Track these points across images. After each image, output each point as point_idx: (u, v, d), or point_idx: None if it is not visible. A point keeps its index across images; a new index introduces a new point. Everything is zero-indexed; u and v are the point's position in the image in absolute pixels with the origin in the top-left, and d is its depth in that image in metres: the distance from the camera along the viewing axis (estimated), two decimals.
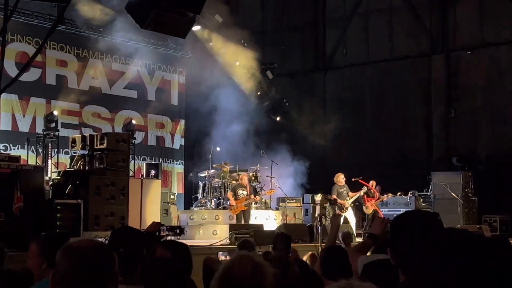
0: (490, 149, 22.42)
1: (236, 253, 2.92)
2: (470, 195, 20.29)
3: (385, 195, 18.53)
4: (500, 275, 2.07)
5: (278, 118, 24.31)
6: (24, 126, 19.95)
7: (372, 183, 18.28)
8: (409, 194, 20.18)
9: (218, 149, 19.92)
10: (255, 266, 2.83)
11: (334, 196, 17.39)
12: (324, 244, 12.38)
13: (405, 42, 24.49)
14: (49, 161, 17.36)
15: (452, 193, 19.51)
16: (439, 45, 23.78)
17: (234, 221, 16.89)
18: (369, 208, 17.99)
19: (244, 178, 17.38)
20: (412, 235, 2.96)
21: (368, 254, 5.29)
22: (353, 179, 17.84)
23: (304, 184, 22.23)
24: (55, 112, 18.11)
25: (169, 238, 9.58)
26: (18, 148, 19.20)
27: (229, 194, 17.26)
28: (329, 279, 5.33)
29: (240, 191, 17.05)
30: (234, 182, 18.00)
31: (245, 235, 13.12)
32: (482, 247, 2.13)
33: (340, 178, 17.55)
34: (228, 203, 17.47)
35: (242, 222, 16.59)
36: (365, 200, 18.01)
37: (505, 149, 21.86)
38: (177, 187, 23.63)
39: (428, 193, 20.99)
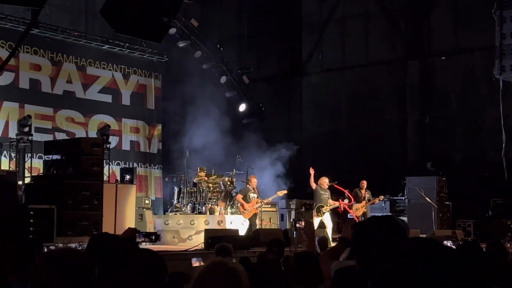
0: (464, 154, 22.58)
1: (210, 259, 2.88)
2: (444, 199, 20.42)
3: (376, 198, 18.59)
4: (459, 284, 2.07)
5: (245, 121, 24.29)
6: None
7: (363, 183, 18.34)
8: (384, 199, 20.24)
9: (187, 153, 19.74)
10: (230, 272, 2.79)
11: (313, 185, 17.30)
12: (299, 248, 12.38)
13: (380, 48, 24.60)
14: (23, 165, 17.18)
15: (427, 198, 19.59)
16: (414, 50, 23.92)
17: (209, 226, 16.82)
18: (359, 210, 18.05)
19: (254, 180, 17.38)
20: (370, 242, 3.01)
21: (342, 258, 5.29)
22: (328, 184, 17.82)
23: (279, 189, 22.21)
24: (30, 120, 17.83)
25: (144, 244, 9.52)
26: None
27: (239, 197, 17.17)
28: (300, 285, 5.35)
29: (251, 194, 17.06)
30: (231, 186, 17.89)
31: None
32: (441, 256, 2.12)
33: (324, 182, 17.51)
34: (236, 205, 17.42)
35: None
36: (341, 205, 17.98)
37: (479, 154, 22.02)
38: (156, 192, 23.53)
39: (403, 198, 21.09)
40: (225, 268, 2.80)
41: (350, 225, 5.05)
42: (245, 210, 16.95)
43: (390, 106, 24.29)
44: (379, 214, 19.59)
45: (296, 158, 22.78)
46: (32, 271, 2.80)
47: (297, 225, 6.63)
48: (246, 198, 16.99)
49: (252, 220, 16.91)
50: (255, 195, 17.09)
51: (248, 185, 17.36)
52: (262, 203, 17.25)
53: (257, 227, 16.82)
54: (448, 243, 7.64)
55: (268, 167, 21.63)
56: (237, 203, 17.41)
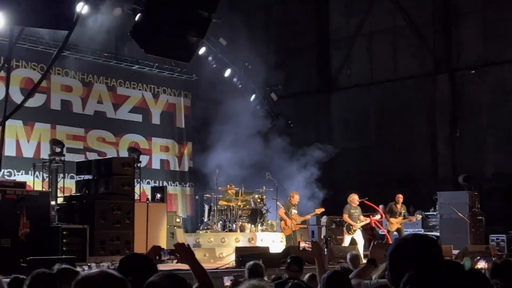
0: (496, 168, 22.36)
1: (248, 282, 2.89)
2: (476, 214, 20.18)
3: (413, 217, 18.47)
4: None
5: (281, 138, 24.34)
6: (28, 152, 19.93)
7: (399, 197, 18.13)
8: (416, 214, 20.09)
9: (217, 171, 19.78)
10: None
11: (346, 216, 17.26)
12: (330, 265, 12.33)
13: (409, 62, 24.52)
14: (56, 186, 17.35)
15: (459, 213, 19.41)
16: (443, 64, 23.78)
17: (240, 244, 16.83)
18: (393, 225, 17.88)
19: (297, 197, 17.40)
20: (408, 262, 2.94)
21: (374, 277, 5.27)
22: (359, 200, 17.74)
23: (310, 205, 22.17)
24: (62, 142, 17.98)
25: (170, 262, 9.50)
26: (22, 174, 19.15)
27: (281, 212, 17.18)
28: None
29: (293, 210, 17.09)
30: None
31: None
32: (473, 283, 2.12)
33: (354, 199, 17.39)
34: (266, 223, 17.47)
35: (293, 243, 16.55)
36: (371, 221, 17.88)
37: (511, 168, 21.78)
38: (187, 210, 23.61)
39: (435, 213, 20.91)
40: None
41: (381, 245, 5.02)
42: (286, 226, 16.95)
43: (420, 121, 24.15)
44: (412, 230, 19.47)
45: (325, 174, 22.73)
46: None
47: (302, 244, 6.35)
48: (288, 214, 17.01)
49: (293, 237, 16.88)
50: (296, 212, 17.12)
51: (290, 201, 17.36)
52: (304, 219, 17.32)
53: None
54: (482, 263, 7.52)
55: (298, 183, 21.60)
56: (278, 219, 17.43)
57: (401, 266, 2.95)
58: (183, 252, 4.65)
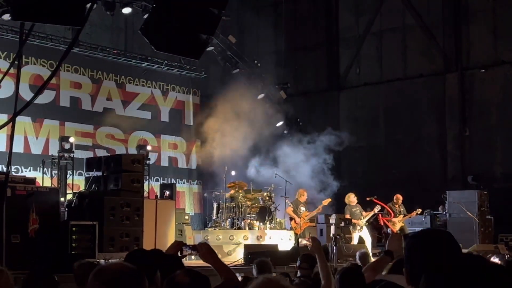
0: (505, 167, 22.29)
1: (262, 277, 2.88)
2: (485, 214, 20.12)
3: (413, 212, 18.42)
4: None
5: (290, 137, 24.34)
6: (36, 148, 19.96)
7: (397, 197, 18.15)
8: (424, 213, 20.06)
9: (233, 173, 19.85)
10: None
11: (348, 216, 17.33)
12: (339, 263, 12.32)
13: (418, 61, 24.47)
14: (65, 182, 17.40)
15: (468, 212, 19.37)
16: (453, 63, 23.73)
17: (249, 242, 16.85)
18: (396, 224, 17.87)
19: (305, 193, 17.39)
20: (427, 256, 2.92)
21: (384, 272, 5.24)
22: (367, 198, 17.74)
23: (317, 203, 22.17)
24: (71, 139, 17.99)
25: (192, 257, 9.49)
26: (30, 170, 19.17)
27: (290, 210, 17.17)
28: None
29: (302, 208, 17.11)
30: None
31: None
32: (497, 277, 2.10)
33: (351, 198, 17.46)
34: (275, 221, 17.47)
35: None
36: (380, 220, 17.91)
37: None
38: (194, 207, 23.62)
39: (443, 212, 20.86)
40: (277, 286, 2.80)
41: (399, 236, 4.96)
42: (296, 224, 16.95)
43: (429, 120, 24.11)
44: (418, 229, 19.44)
45: (333, 172, 22.72)
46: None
47: (303, 242, 6.27)
48: (296, 212, 17.01)
49: (303, 235, 16.88)
50: (304, 209, 17.13)
51: (298, 199, 17.36)
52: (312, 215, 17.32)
53: None
54: (496, 259, 7.49)
55: (307, 180, 21.60)
56: (287, 217, 17.42)
57: (419, 259, 2.94)
58: (205, 251, 4.71)
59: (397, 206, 18.15)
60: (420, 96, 24.32)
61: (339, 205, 19.43)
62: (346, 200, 17.51)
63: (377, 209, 17.58)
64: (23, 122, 19.33)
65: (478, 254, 3.04)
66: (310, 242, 6.18)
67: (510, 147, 22.27)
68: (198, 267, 5.20)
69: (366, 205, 17.86)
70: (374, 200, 17.68)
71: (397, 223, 17.92)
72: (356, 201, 17.44)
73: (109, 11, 19.34)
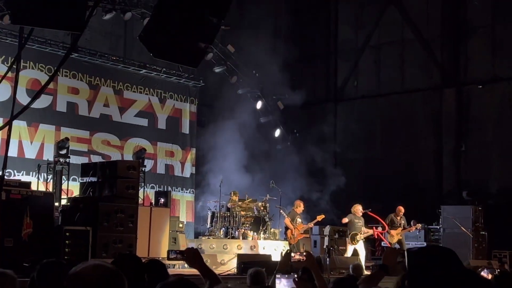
0: (501, 183, 22.32)
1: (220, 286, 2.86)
2: (480, 229, 20.13)
3: (413, 226, 18.38)
4: None
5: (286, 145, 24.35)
6: (30, 153, 19.84)
7: (400, 209, 18.07)
8: (416, 225, 20.05)
9: (221, 178, 19.76)
10: None
11: (345, 220, 17.23)
12: (332, 275, 12.30)
13: (416, 75, 24.54)
14: (60, 187, 17.35)
15: (462, 227, 19.37)
16: (451, 78, 23.80)
17: (242, 251, 16.83)
18: (394, 237, 17.80)
19: (301, 205, 17.36)
20: (431, 272, 2.92)
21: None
22: (362, 211, 17.70)
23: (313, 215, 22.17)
24: (67, 142, 17.95)
25: (186, 265, 9.45)
26: (23, 175, 19.06)
27: (288, 221, 17.13)
28: None
29: (298, 219, 17.07)
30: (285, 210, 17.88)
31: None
32: None
33: (358, 209, 17.33)
34: (269, 231, 17.43)
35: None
36: (374, 233, 17.87)
37: None
38: (187, 216, 23.56)
39: (438, 227, 20.86)
40: None
41: (394, 250, 4.95)
42: (292, 235, 16.92)
43: (426, 134, 24.15)
44: (415, 243, 19.42)
45: (328, 184, 22.73)
46: None
47: (296, 257, 6.00)
48: (293, 223, 16.99)
49: (297, 246, 16.86)
50: (300, 221, 17.11)
51: (295, 210, 17.33)
52: (308, 227, 17.31)
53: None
54: (484, 272, 7.51)
55: (301, 192, 21.61)
56: (283, 227, 17.40)
57: (421, 274, 2.93)
58: (191, 256, 4.67)
59: (398, 218, 18.02)
60: (417, 110, 24.37)
61: (332, 221, 19.42)
62: (352, 210, 17.40)
63: (378, 231, 17.52)
64: (18, 126, 19.20)
65: (469, 268, 3.04)
66: (303, 257, 6.11)
67: (506, 163, 22.31)
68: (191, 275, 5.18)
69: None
70: (369, 213, 17.64)
71: (395, 236, 17.81)
72: (361, 214, 17.32)
73: (105, 13, 19.43)
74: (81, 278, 2.73)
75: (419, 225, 18.74)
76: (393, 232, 17.80)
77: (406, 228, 18.13)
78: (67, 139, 18.15)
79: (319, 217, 17.78)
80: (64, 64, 18.39)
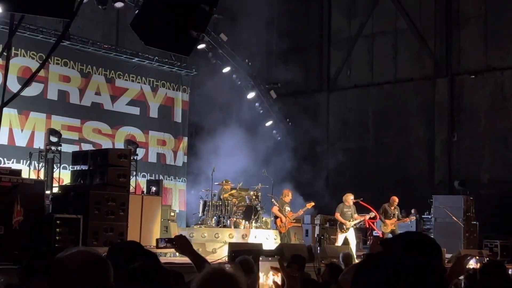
0: (492, 173, 22.38)
1: (210, 267, 2.87)
2: (471, 219, 20.19)
3: (407, 218, 18.40)
4: None
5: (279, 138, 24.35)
6: (21, 141, 19.76)
7: (393, 199, 18.06)
8: (410, 216, 20.09)
9: (213, 167, 19.71)
10: (229, 278, 2.80)
11: (337, 215, 17.26)
12: (323, 263, 12.31)
13: (409, 65, 24.54)
14: (51, 175, 17.28)
15: (453, 217, 19.42)
16: (443, 68, 23.82)
17: (234, 240, 16.83)
18: (388, 226, 17.82)
19: (289, 194, 17.37)
20: (403, 263, 2.91)
21: None
22: (354, 200, 17.71)
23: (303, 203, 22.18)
24: (59, 132, 17.88)
25: (177, 254, 9.47)
26: (13, 162, 19.01)
27: (275, 209, 17.13)
28: None
29: (287, 208, 17.08)
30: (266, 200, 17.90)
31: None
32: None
33: (349, 199, 17.34)
34: (261, 220, 17.44)
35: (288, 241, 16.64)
36: (366, 222, 17.90)
37: (507, 174, 21.82)
38: (179, 205, 23.54)
39: (429, 216, 20.92)
40: (224, 275, 2.80)
41: (378, 241, 4.94)
42: (282, 223, 16.93)
43: (418, 124, 24.18)
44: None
45: (321, 174, 22.75)
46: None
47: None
48: (282, 211, 17.00)
49: (288, 234, 16.88)
50: (289, 209, 17.13)
51: (283, 199, 17.33)
52: (297, 215, 17.33)
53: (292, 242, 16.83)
54: (472, 261, 7.55)
55: (293, 181, 21.61)
56: (272, 216, 17.40)
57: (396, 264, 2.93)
58: (181, 243, 4.57)
59: (392, 208, 18.02)
60: (409, 100, 24.39)
61: (325, 210, 19.43)
62: (343, 198, 17.41)
63: (368, 216, 17.55)
64: (9, 114, 19.04)
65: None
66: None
67: (498, 153, 22.37)
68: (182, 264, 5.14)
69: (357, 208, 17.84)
70: (361, 202, 17.66)
71: (389, 225, 17.83)
72: (351, 203, 17.32)
73: (101, 5, 19.25)
74: (65, 264, 2.70)
75: (413, 218, 18.79)
76: (387, 221, 17.80)
77: (401, 219, 18.15)
78: (58, 130, 18.01)
79: (309, 205, 17.79)
80: (56, 52, 18.30)
